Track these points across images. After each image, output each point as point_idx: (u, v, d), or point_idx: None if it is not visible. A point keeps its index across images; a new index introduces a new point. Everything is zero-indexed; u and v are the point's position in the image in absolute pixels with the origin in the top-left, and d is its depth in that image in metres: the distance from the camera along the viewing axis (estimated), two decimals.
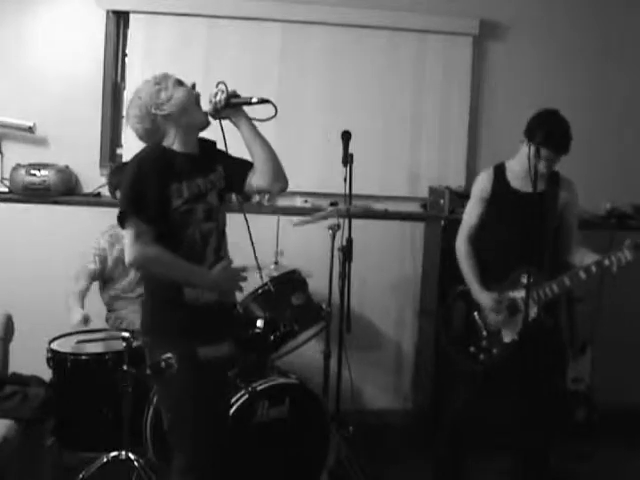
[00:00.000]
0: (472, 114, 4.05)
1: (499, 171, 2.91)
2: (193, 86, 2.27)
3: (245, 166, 2.34)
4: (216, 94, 2.27)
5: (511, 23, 4.07)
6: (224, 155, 2.37)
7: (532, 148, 2.64)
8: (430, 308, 3.80)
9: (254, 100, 2.27)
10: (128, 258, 2.11)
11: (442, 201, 3.72)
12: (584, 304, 3.71)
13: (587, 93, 4.13)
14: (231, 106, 2.28)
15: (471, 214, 2.95)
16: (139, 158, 2.21)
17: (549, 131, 2.66)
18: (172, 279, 2.16)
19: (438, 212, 3.76)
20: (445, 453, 3.02)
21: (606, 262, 2.69)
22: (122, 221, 2.14)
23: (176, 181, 2.16)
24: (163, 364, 2.14)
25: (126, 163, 3.29)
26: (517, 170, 2.85)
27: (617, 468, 3.49)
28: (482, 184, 2.93)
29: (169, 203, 2.14)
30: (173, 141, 2.22)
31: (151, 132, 2.20)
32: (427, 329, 3.92)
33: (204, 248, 2.21)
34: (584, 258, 2.78)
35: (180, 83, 2.24)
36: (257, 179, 2.32)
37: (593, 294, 3.68)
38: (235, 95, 2.28)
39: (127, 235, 2.12)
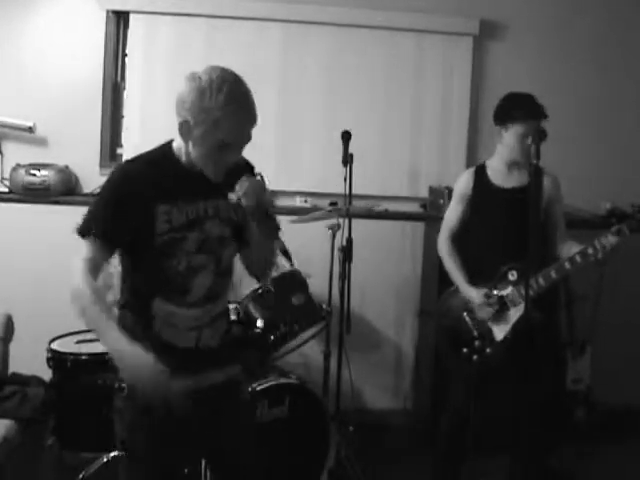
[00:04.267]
0: (472, 114, 4.05)
1: (480, 170, 2.93)
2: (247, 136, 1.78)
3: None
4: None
5: (511, 23, 4.07)
6: None
7: (514, 129, 2.72)
8: (430, 308, 3.79)
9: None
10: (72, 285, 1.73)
11: (442, 201, 3.72)
12: (584, 304, 3.70)
13: (587, 93, 4.13)
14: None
15: (452, 213, 2.96)
16: (130, 162, 1.88)
17: (519, 106, 2.78)
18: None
19: (438, 212, 3.75)
20: (444, 454, 3.01)
21: (590, 250, 2.68)
22: (81, 232, 1.80)
23: (167, 202, 1.80)
24: (116, 385, 1.92)
25: None
26: (497, 166, 2.87)
27: (617, 468, 3.49)
28: (463, 183, 2.94)
29: (152, 227, 1.79)
30: (190, 151, 1.81)
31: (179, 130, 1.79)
32: (427, 329, 3.92)
33: (189, 284, 1.86)
34: (570, 249, 2.78)
35: (236, 98, 1.71)
36: (245, 259, 2.03)
37: (593, 294, 3.68)
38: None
39: (82, 252, 1.77)
